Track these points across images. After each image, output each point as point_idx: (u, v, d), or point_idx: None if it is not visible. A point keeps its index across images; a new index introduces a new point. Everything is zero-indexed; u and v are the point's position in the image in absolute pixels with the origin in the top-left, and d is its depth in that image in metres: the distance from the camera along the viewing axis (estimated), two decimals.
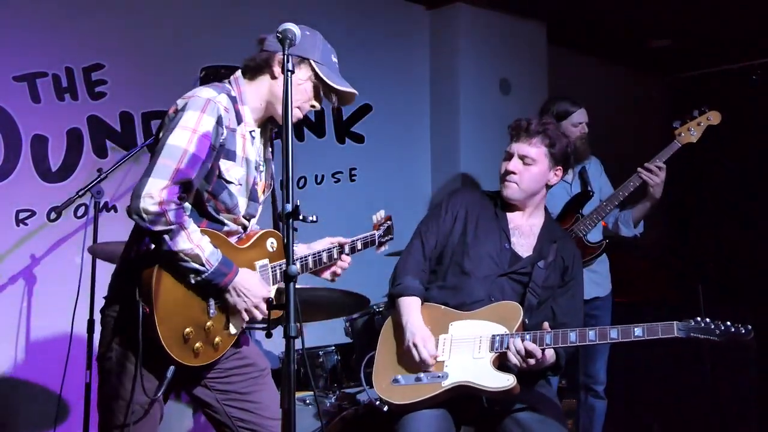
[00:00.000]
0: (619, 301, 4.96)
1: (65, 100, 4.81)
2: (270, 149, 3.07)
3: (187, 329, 2.71)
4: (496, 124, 6.45)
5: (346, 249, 3.24)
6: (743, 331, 2.97)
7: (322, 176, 5.90)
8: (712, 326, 2.99)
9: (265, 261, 2.97)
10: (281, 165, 2.44)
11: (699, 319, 3.00)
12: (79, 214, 4.82)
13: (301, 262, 3.07)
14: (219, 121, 2.74)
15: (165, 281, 2.67)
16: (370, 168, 6.13)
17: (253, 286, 2.83)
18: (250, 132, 2.89)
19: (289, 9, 5.47)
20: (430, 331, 3.38)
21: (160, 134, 2.78)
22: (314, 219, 2.57)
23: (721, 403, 6.00)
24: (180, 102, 2.78)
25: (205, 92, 2.77)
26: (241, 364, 2.97)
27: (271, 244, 3.01)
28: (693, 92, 8.20)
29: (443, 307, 3.46)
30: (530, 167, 3.52)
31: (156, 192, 2.60)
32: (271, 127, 3.05)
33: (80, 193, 4.28)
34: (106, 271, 3.86)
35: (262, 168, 2.98)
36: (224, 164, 2.79)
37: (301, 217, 2.45)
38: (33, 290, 4.64)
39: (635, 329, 3.07)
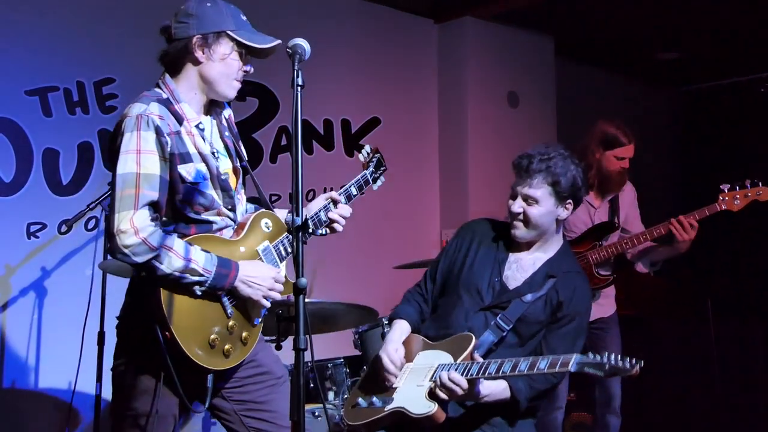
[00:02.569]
0: (628, 314, 4.95)
1: (76, 114, 4.85)
2: (225, 128, 2.97)
3: (212, 336, 2.72)
4: (505, 137, 6.49)
5: (343, 199, 3.20)
6: (628, 366, 2.85)
7: (331, 189, 5.90)
8: (603, 361, 2.87)
9: (266, 243, 2.93)
10: (291, 178, 2.44)
11: (598, 356, 2.87)
12: (90, 227, 4.85)
13: (313, 221, 3.03)
14: (158, 132, 2.67)
15: (174, 301, 2.66)
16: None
17: (260, 272, 2.81)
18: (197, 125, 2.82)
19: (297, 23, 5.50)
20: (403, 349, 3.39)
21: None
22: (323, 232, 2.59)
23: (733, 420, 5.98)
24: (116, 128, 2.73)
25: (134, 109, 2.70)
26: (256, 372, 2.96)
27: (266, 224, 2.96)
28: (701, 105, 8.21)
29: (421, 337, 3.46)
30: (533, 207, 3.37)
31: (127, 224, 2.58)
32: (218, 110, 2.95)
33: (91, 206, 4.29)
34: (116, 283, 3.89)
35: (219, 154, 2.90)
36: (184, 169, 2.73)
37: (311, 230, 2.46)
38: (44, 302, 4.67)
39: (541, 362, 2.98)
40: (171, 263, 2.62)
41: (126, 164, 2.64)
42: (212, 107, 2.92)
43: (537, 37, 6.80)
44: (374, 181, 3.39)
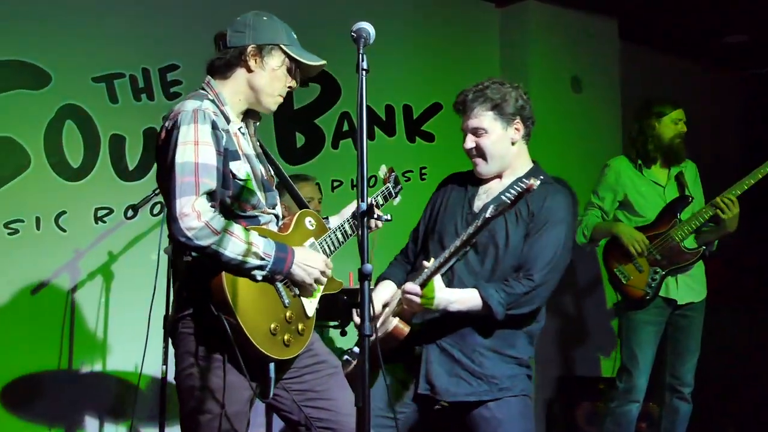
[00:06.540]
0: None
1: (142, 100, 4.92)
2: (258, 143, 3.04)
3: (272, 325, 2.74)
4: (568, 123, 6.41)
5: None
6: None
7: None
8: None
9: (311, 239, 2.99)
10: (352, 164, 2.44)
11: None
12: (156, 212, 4.92)
13: (341, 230, 3.09)
14: (214, 126, 2.73)
15: (236, 286, 2.68)
16: (440, 167, 6.10)
17: (311, 256, 2.85)
18: (239, 129, 2.89)
19: (362, 8, 5.49)
20: (375, 301, 3.37)
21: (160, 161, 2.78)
22: (389, 218, 2.57)
23: None
24: (168, 123, 2.77)
25: (189, 105, 2.75)
26: (313, 362, 2.98)
27: (310, 222, 3.03)
28: None
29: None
30: (484, 138, 3.30)
31: (189, 208, 2.59)
32: (252, 121, 3.02)
33: (156, 192, 4.28)
34: None
35: (258, 159, 2.97)
36: (233, 165, 2.78)
37: (375, 216, 2.45)
38: (111, 286, 4.75)
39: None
40: (234, 248, 2.63)
41: (185, 154, 2.67)
42: (247, 117, 3.00)
43: (601, 21, 6.69)
44: (396, 195, 3.44)
